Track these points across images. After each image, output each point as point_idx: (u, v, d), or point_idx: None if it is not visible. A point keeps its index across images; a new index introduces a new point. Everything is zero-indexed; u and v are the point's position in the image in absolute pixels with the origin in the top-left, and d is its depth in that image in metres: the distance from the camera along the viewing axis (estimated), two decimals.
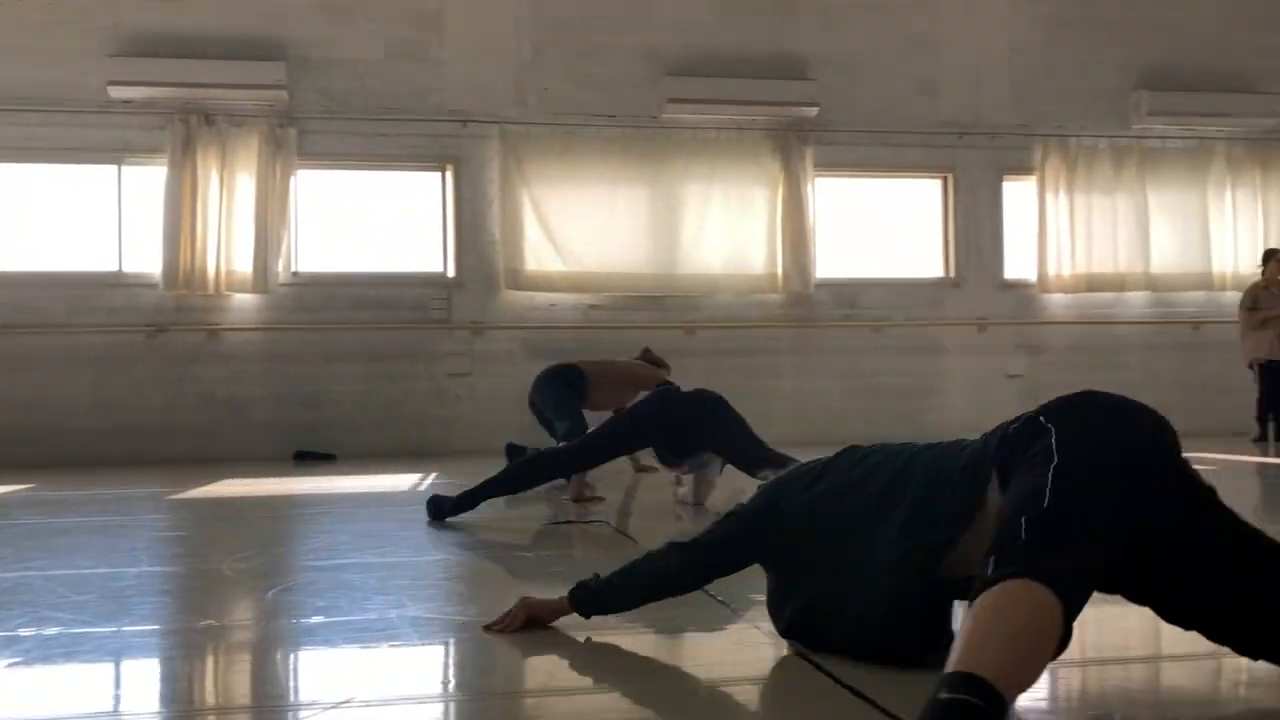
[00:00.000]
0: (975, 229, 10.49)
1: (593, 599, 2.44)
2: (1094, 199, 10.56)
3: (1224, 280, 10.66)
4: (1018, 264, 10.59)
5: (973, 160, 10.47)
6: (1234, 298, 10.10)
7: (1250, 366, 9.62)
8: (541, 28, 9.85)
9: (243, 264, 9.24)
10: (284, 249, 9.41)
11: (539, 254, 9.73)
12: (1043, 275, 10.47)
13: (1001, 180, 10.55)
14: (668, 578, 2.41)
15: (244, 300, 9.37)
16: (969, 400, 10.19)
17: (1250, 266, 10.15)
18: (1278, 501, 5.87)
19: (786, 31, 10.18)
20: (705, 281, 10.04)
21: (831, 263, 10.38)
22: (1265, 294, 9.54)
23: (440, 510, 4.48)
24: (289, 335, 9.42)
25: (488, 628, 2.52)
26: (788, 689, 2.06)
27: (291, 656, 2.48)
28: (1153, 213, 10.64)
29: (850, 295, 10.33)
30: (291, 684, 2.28)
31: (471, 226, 9.73)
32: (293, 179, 9.42)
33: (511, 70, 9.81)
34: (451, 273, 9.77)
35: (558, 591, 2.49)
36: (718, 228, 10.07)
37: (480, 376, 9.65)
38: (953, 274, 10.50)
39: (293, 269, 9.50)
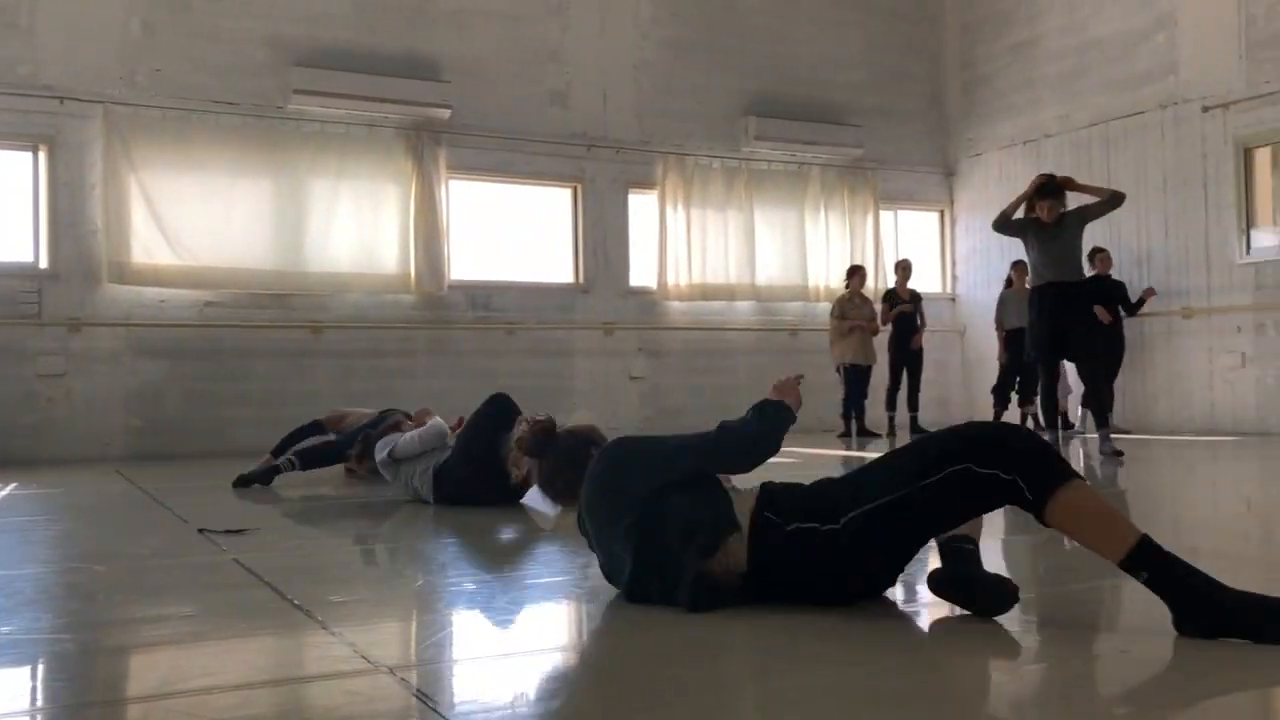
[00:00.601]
0: (603, 237, 10.96)
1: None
2: (708, 214, 11.36)
3: (818, 292, 11.82)
4: (641, 272, 11.18)
5: (600, 171, 10.93)
6: (826, 308, 11.19)
7: (837, 370, 10.70)
8: (153, 4, 9.20)
9: None
10: None
11: (148, 246, 9.07)
12: (663, 283, 11.12)
13: (627, 192, 11.10)
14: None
15: None
16: (597, 400, 10.62)
17: (839, 280, 11.30)
18: None
19: (419, 32, 10.16)
20: (333, 280, 9.79)
21: (465, 265, 10.47)
22: (850, 304, 10.65)
23: None
24: None
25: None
26: (368, 692, 2.07)
27: None
28: (759, 229, 11.61)
29: (484, 297, 10.46)
30: None
31: (69, 213, 8.90)
32: None
33: (117, 47, 9.09)
34: (44, 264, 8.89)
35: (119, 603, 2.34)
36: (347, 225, 9.86)
37: (78, 378, 8.85)
38: (582, 280, 10.91)
39: None
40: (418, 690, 1.96)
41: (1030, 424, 10.57)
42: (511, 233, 10.84)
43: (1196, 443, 8.72)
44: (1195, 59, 10.12)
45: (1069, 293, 7.29)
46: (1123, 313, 9.98)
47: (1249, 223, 9.84)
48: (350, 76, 9.67)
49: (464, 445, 4.96)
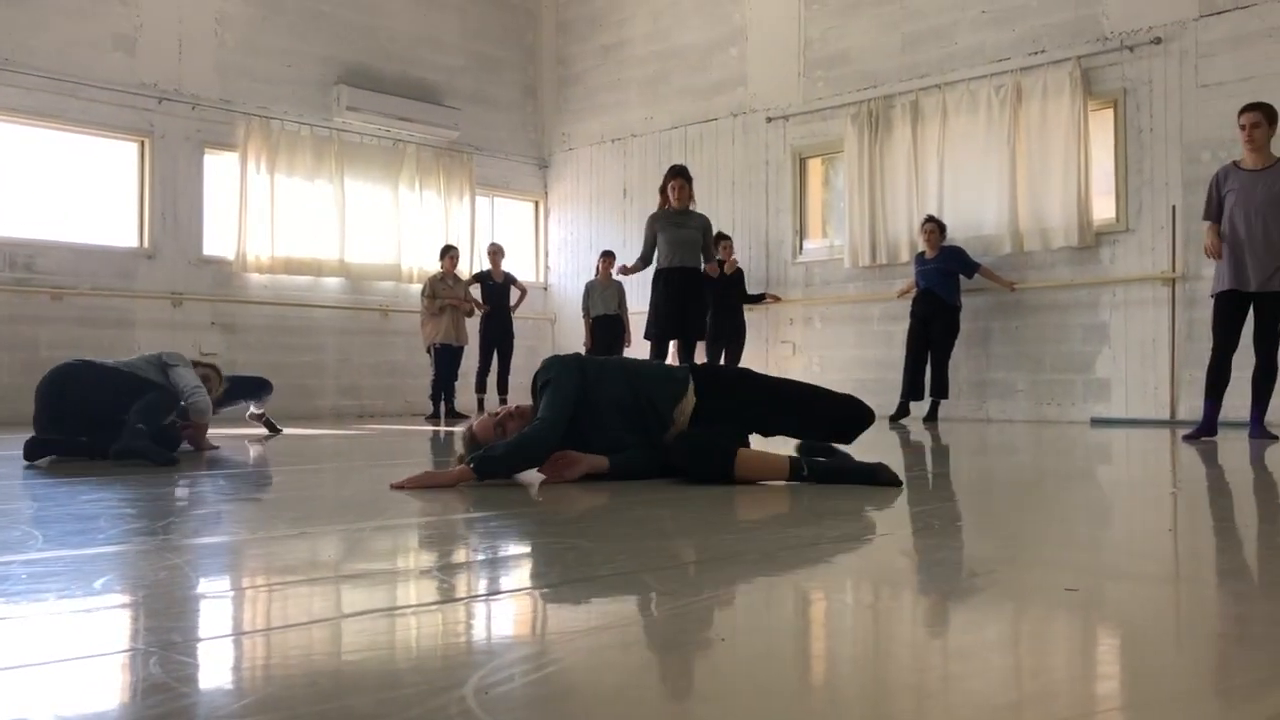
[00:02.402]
0: (173, 199, 10.07)
1: (487, 466, 3.26)
2: (296, 183, 10.80)
3: (411, 274, 11.60)
4: (216, 240, 10.39)
5: (173, 127, 10.04)
6: (419, 289, 11.00)
7: (428, 350, 10.55)
8: None
9: None
10: None
11: None
12: (241, 253, 10.40)
13: (203, 152, 10.28)
14: (543, 441, 3.37)
15: None
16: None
17: (434, 263, 11.16)
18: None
19: None
20: None
21: (3, 219, 9.20)
22: (442, 285, 10.55)
23: None
24: None
25: (395, 485, 3.21)
26: None
27: None
28: (350, 204, 11.19)
29: (25, 257, 9.24)
30: None
31: None
32: None
33: None
34: None
35: None
36: None
37: None
38: (147, 244, 9.96)
39: None
40: None
41: None
42: (63, 187, 9.67)
43: None
44: (762, 73, 11.04)
45: (691, 277, 7.74)
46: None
47: (803, 225, 10.86)
48: None
49: None
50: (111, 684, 1.19)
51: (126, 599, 1.65)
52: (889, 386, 9.63)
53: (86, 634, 1.42)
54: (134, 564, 1.94)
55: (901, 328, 9.34)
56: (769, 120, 10.94)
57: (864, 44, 10.24)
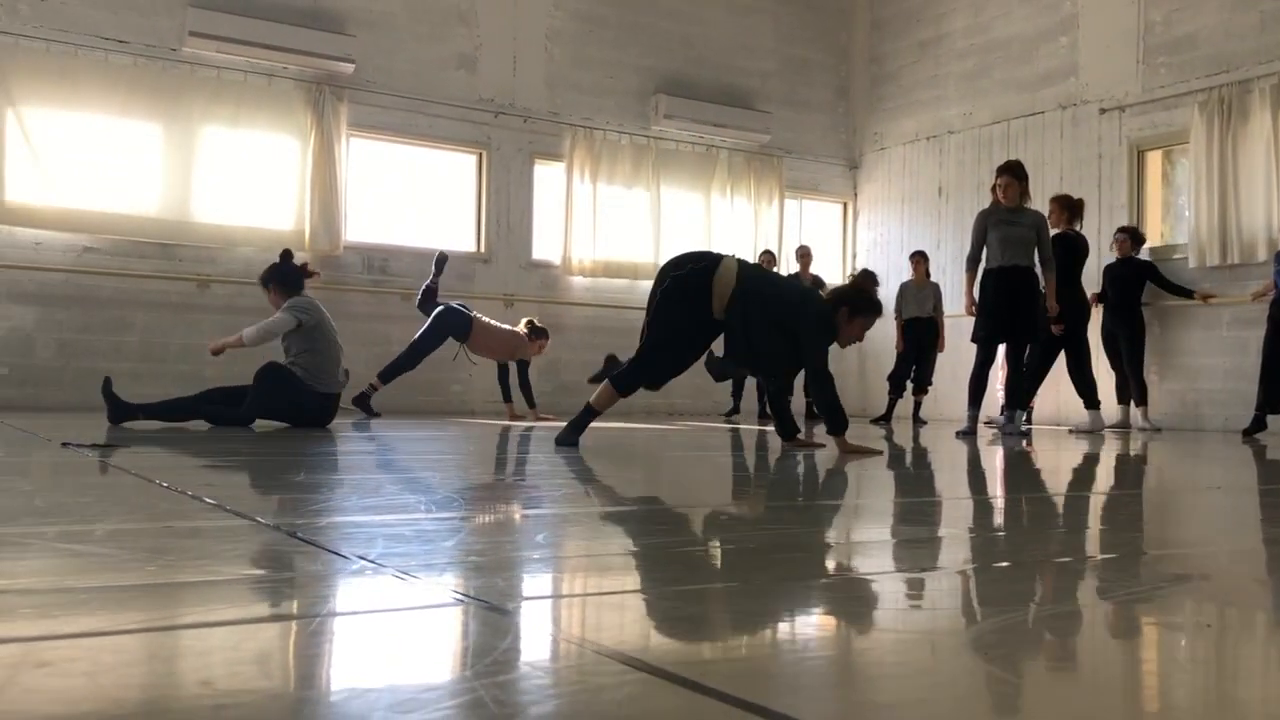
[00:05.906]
0: (506, 207, 10.76)
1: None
2: (615, 190, 11.25)
3: None
4: (544, 245, 11.00)
5: (507, 139, 10.73)
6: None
7: None
8: None
9: None
10: None
11: (23, 184, 8.57)
12: (567, 258, 10.96)
13: (533, 163, 10.91)
14: None
15: None
16: (492, 374, 10.36)
17: None
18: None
19: None
20: (222, 233, 9.40)
21: (362, 226, 10.17)
22: None
23: None
24: None
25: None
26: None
27: None
28: (665, 209, 11.53)
29: (380, 261, 10.16)
30: None
31: None
32: None
33: None
34: None
35: None
36: (240, 177, 9.47)
37: None
38: (483, 249, 10.69)
39: None
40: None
41: (922, 411, 10.71)
42: (412, 196, 10.56)
43: (1054, 430, 8.92)
44: (1095, 62, 10.39)
45: (1023, 276, 7.42)
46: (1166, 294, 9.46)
47: (1140, 223, 10.11)
48: (250, 22, 9.31)
49: None
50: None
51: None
52: (1240, 398, 8.78)
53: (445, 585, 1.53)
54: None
55: (1256, 334, 8.50)
56: (1102, 111, 10.27)
57: (1215, 25, 9.41)
